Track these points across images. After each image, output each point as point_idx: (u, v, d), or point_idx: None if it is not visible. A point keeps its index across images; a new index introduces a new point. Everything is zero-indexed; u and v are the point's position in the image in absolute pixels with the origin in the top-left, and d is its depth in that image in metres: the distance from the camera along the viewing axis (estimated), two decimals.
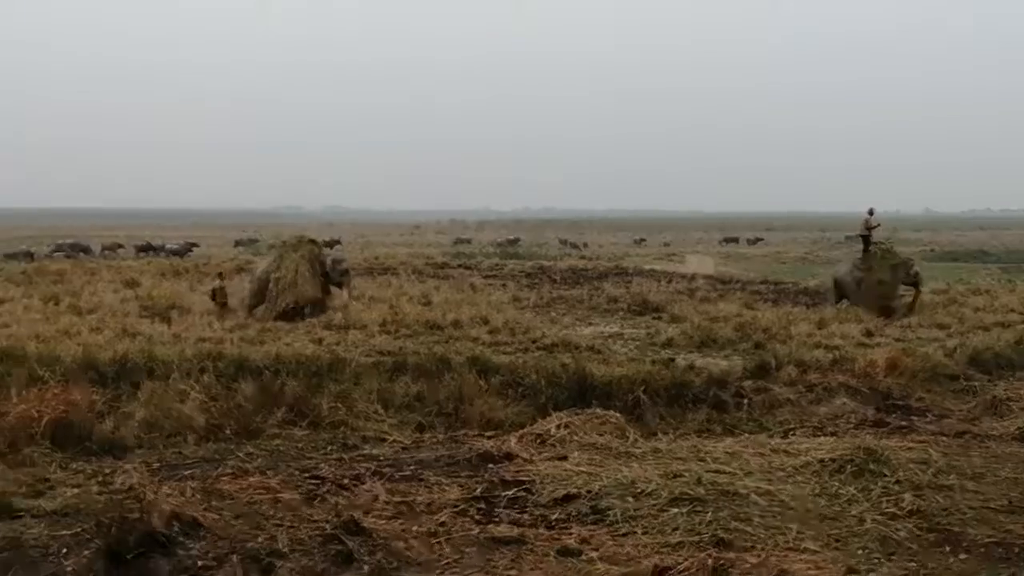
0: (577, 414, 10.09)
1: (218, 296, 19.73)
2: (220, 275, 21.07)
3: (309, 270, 19.72)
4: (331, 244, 53.32)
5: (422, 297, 22.53)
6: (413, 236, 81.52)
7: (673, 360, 13.63)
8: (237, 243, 57.10)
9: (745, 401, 11.38)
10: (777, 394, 11.60)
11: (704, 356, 14.96)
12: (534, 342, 15.88)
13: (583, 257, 46.10)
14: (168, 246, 44.67)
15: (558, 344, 15.55)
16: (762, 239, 67.24)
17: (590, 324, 19.29)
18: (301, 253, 19.96)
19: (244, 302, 19.95)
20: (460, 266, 36.78)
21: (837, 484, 7.80)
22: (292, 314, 18.63)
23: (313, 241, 20.77)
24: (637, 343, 16.54)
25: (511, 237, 64.25)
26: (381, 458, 9.03)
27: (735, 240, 66.05)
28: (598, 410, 10.31)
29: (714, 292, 25.16)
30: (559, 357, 13.92)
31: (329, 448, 9.53)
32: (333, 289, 20.37)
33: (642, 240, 67.01)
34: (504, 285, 27.66)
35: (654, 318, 20.02)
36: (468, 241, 64.07)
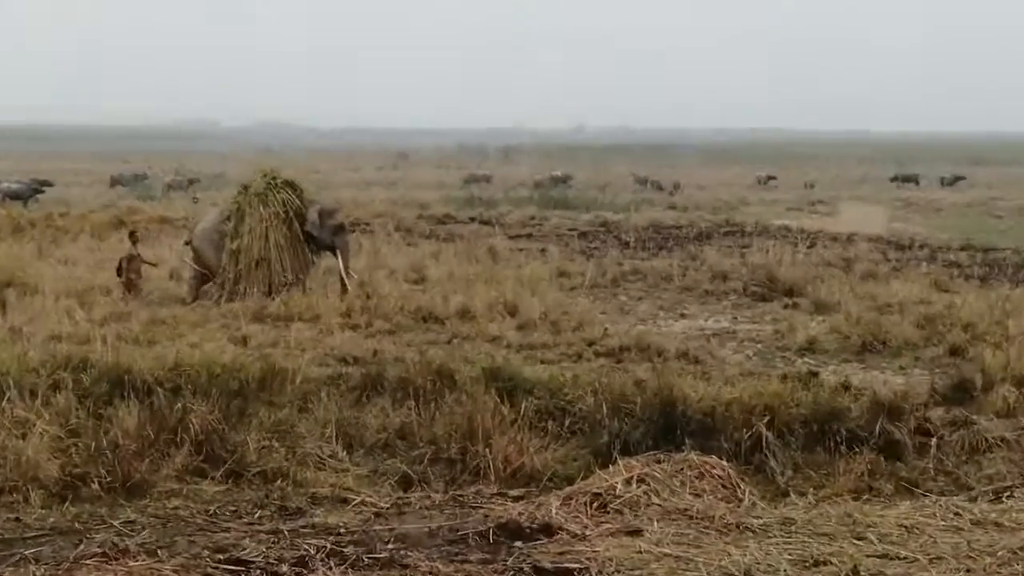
0: (660, 461, 10.02)
1: (127, 270, 19.98)
2: (132, 235, 21.21)
3: (286, 235, 19.87)
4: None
5: (411, 271, 22.61)
6: (397, 171, 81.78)
7: (816, 375, 13.56)
8: (114, 181, 57.73)
9: (933, 442, 11.31)
10: (984, 431, 11.51)
11: (867, 368, 14.83)
12: (591, 345, 15.87)
13: (672, 207, 45.95)
14: (3, 185, 44.90)
15: (630, 348, 15.52)
16: (963, 178, 66.66)
17: (683, 316, 19.28)
18: (272, 209, 20.02)
19: (190, 281, 20.30)
20: (473, 220, 36.82)
21: None
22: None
23: (291, 185, 20.64)
24: (759, 347, 16.46)
25: (556, 173, 64.20)
26: (341, 530, 9.05)
27: (914, 179, 65.59)
28: (693, 455, 10.23)
29: (884, 264, 24.96)
30: (631, 369, 13.83)
31: (258, 514, 9.54)
32: (316, 258, 20.68)
33: (769, 179, 66.69)
34: (543, 251, 27.64)
35: (786, 306, 19.94)
36: (487, 179, 64.12)
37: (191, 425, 10.73)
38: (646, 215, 39.55)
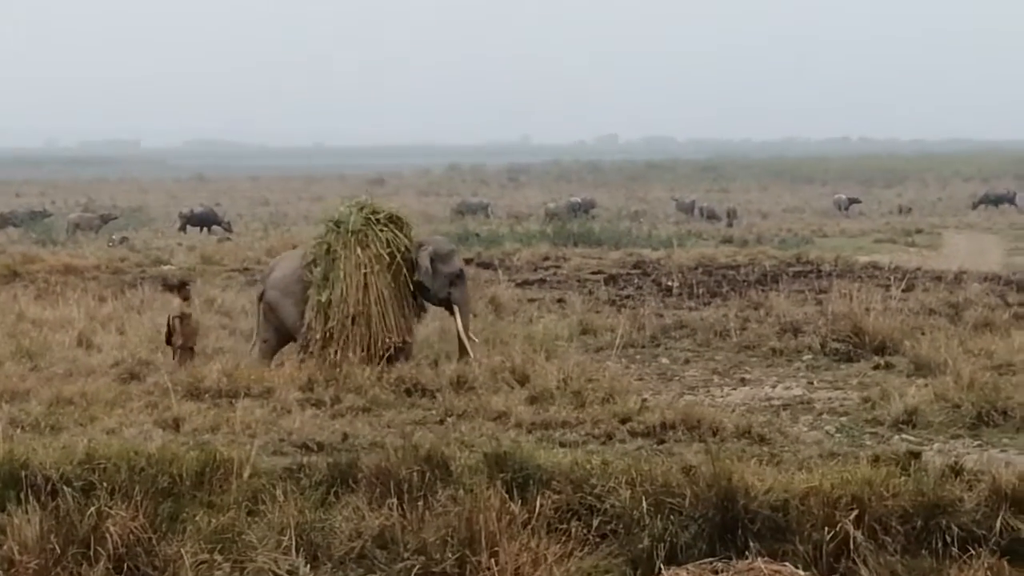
0: (717, 572, 10.06)
1: (179, 332, 20.11)
2: (182, 288, 21.10)
3: (390, 285, 19.92)
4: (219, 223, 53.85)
5: None
6: (372, 200, 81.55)
7: (918, 456, 13.52)
8: (4, 221, 58.04)
9: None
10: None
11: (983, 446, 14.82)
12: (625, 422, 15.89)
13: (728, 240, 46.00)
14: None
15: (675, 425, 15.54)
16: None
17: (743, 382, 19.30)
18: (373, 251, 20.03)
19: (256, 341, 20.54)
20: (470, 262, 36.81)
21: None
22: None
23: (396, 221, 20.63)
24: (842, 420, 16.47)
25: (575, 199, 64.42)
26: None
27: (1008, 199, 65.75)
28: (760, 562, 10.26)
29: (1003, 310, 24.92)
30: (678, 452, 13.83)
31: None
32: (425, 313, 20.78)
33: (852, 202, 66.89)
34: (561, 301, 27.62)
35: (877, 366, 19.95)
36: (484, 209, 64.20)
37: (108, 535, 10.74)
38: (693, 252, 39.61)
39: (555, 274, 34.31)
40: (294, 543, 11.06)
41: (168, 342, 20.15)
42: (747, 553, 10.68)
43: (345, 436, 14.96)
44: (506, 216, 61.00)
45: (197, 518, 11.39)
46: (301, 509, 11.55)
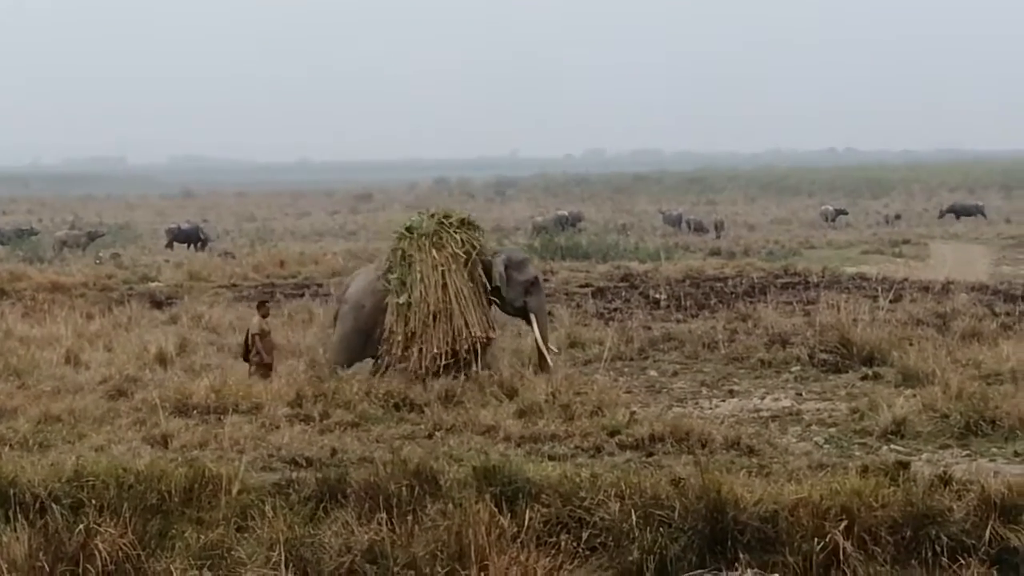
0: None
1: (258, 349, 20.23)
2: (262, 306, 21.19)
3: (469, 283, 19.93)
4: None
5: None
6: (358, 216, 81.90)
7: (907, 466, 13.52)
8: None
9: None
10: None
11: (972, 456, 14.81)
12: (614, 434, 15.88)
13: (715, 252, 46.03)
14: None
15: (664, 437, 15.52)
16: None
17: (731, 394, 19.30)
18: (449, 250, 20.16)
19: (329, 354, 20.55)
20: None
21: None
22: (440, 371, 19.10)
23: (469, 225, 20.76)
24: (831, 431, 16.47)
25: (563, 213, 64.61)
26: None
27: (974, 211, 66.14)
28: (750, 573, 10.29)
29: (991, 320, 24.92)
30: (667, 465, 13.81)
31: None
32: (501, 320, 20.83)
33: (839, 213, 67.00)
34: (549, 315, 27.59)
35: (865, 377, 19.96)
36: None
37: (97, 552, 10.73)
38: (681, 264, 39.65)
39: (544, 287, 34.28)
40: (283, 559, 11.06)
41: (246, 358, 20.27)
42: (737, 565, 10.69)
43: (334, 451, 14.93)
44: (491, 230, 61.04)
45: (186, 534, 11.38)
46: (290, 524, 11.54)
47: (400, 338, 19.52)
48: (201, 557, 11.00)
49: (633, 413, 17.02)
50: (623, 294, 31.90)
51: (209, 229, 58.13)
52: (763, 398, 18.87)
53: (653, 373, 20.86)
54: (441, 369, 19.07)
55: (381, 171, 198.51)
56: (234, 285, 35.39)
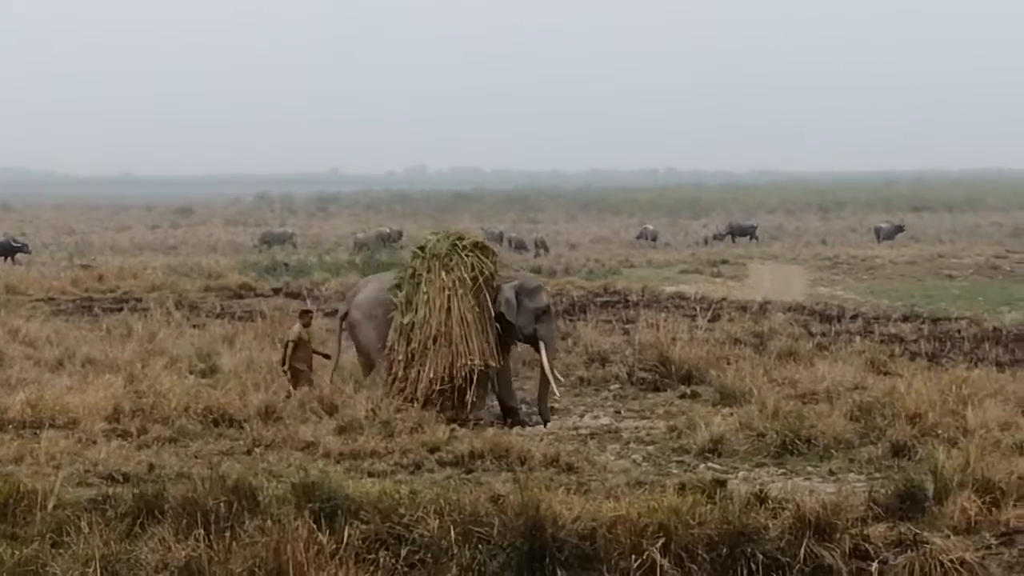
0: None
1: (296, 358, 20.02)
2: (304, 314, 21.04)
3: (475, 308, 19.46)
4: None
5: (198, 360, 22.47)
6: (178, 231, 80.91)
7: (723, 484, 13.70)
8: None
9: (874, 568, 11.49)
10: (938, 552, 11.67)
11: (788, 475, 15.06)
12: (434, 451, 15.94)
13: (536, 270, 46.19)
14: None
15: (484, 454, 15.60)
16: (903, 229, 68.68)
17: (551, 411, 19.39)
18: (457, 274, 19.72)
19: (334, 364, 20.36)
20: (278, 292, 36.56)
21: None
22: (435, 402, 18.73)
23: (482, 249, 20.27)
24: (649, 449, 16.64)
25: (384, 230, 64.68)
26: None
27: (748, 232, 67.51)
28: None
29: (807, 339, 25.38)
30: (486, 482, 13.84)
31: None
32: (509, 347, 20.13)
33: (655, 237, 67.72)
34: None
35: (683, 395, 20.24)
36: (291, 239, 64.21)
37: None
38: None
39: None
40: (99, 575, 10.89)
41: (283, 363, 20.16)
42: None
43: (151, 467, 14.75)
44: (311, 246, 60.88)
45: (0, 550, 11.15)
46: (106, 541, 11.36)
47: (401, 358, 19.33)
48: (15, 573, 10.80)
49: (453, 430, 17.07)
50: None
51: (26, 242, 56.83)
52: (582, 416, 19.05)
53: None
54: (436, 394, 18.83)
55: (203, 186, 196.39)
56: (51, 299, 34.68)
